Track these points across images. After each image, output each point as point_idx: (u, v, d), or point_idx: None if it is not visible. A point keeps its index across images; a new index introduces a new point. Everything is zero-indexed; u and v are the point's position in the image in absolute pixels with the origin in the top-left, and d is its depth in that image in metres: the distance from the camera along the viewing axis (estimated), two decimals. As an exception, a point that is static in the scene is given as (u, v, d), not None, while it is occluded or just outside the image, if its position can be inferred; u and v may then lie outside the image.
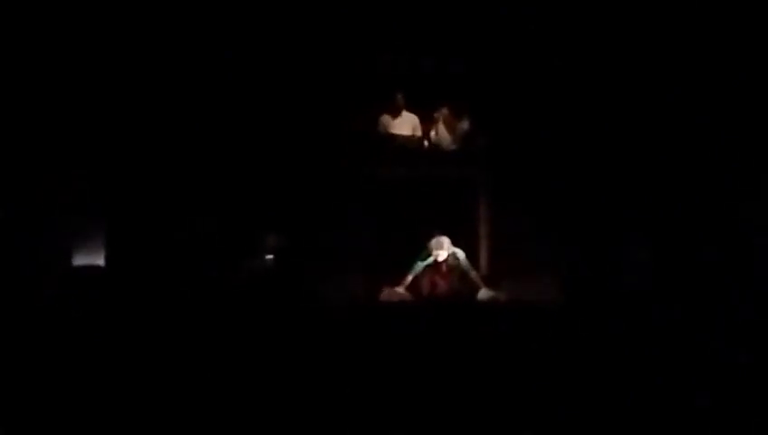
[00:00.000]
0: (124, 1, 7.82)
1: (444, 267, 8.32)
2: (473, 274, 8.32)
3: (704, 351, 6.52)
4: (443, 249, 8.26)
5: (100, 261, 7.35)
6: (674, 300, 7.16)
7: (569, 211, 8.43)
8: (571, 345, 6.95)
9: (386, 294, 8.27)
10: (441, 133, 9.20)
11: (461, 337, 7.16)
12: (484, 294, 8.20)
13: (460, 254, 8.34)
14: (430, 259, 8.29)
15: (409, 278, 8.29)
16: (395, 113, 9.34)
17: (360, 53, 9.12)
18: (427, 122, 9.28)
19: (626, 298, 7.48)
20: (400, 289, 8.30)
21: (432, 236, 8.31)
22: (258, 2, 8.69)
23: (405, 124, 9.36)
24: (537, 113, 8.82)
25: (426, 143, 9.28)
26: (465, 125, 9.15)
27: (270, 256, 8.12)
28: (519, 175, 8.75)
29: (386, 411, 6.59)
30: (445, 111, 9.20)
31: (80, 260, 7.23)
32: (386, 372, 6.86)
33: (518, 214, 8.64)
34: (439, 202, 8.77)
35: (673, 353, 6.64)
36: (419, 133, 9.32)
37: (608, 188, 8.26)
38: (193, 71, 8.40)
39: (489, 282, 8.40)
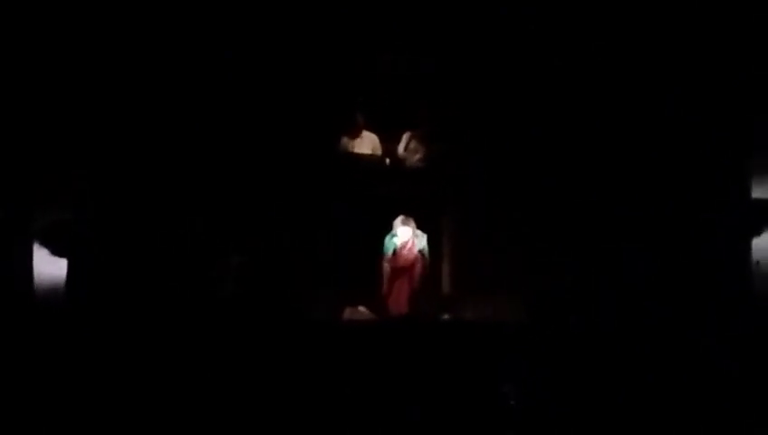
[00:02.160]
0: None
1: (410, 244, 8.61)
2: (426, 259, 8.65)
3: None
4: (408, 227, 8.60)
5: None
6: (638, 317, 7.24)
7: (532, 230, 8.48)
8: (535, 364, 7.00)
9: (348, 312, 8.27)
10: (410, 151, 9.24)
11: (424, 356, 7.18)
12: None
13: (422, 236, 8.66)
14: (398, 239, 8.59)
15: (389, 254, 8.58)
16: (355, 132, 9.34)
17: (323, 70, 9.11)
18: (390, 142, 9.30)
19: (589, 316, 7.53)
20: (362, 308, 8.32)
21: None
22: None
23: (365, 143, 9.38)
24: (503, 131, 8.87)
25: (387, 161, 9.30)
26: (431, 145, 9.19)
27: (237, 275, 8.08)
28: (483, 194, 8.78)
29: (352, 427, 6.60)
30: (417, 130, 9.25)
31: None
32: (350, 389, 6.85)
33: (481, 233, 8.67)
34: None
35: (639, 370, 6.71)
36: (379, 152, 9.34)
37: (573, 205, 8.32)
38: (163, 85, 8.32)
39: (452, 301, 8.45)
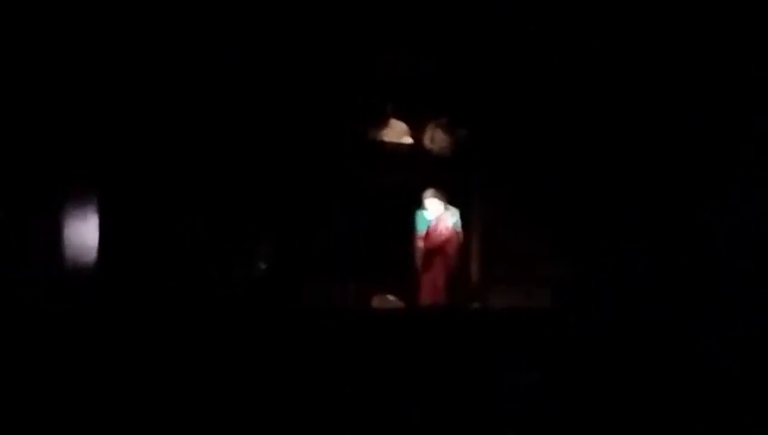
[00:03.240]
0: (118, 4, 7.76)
1: (443, 219, 8.42)
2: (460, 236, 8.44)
3: (697, 357, 6.57)
4: (439, 200, 8.39)
5: (92, 265, 7.30)
6: (667, 307, 7.19)
7: (560, 220, 8.45)
8: (562, 353, 6.98)
9: (377, 301, 8.30)
10: (436, 141, 9.24)
11: (452, 344, 7.17)
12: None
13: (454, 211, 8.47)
14: (428, 214, 8.40)
15: (421, 232, 8.39)
16: (384, 121, 9.36)
17: (354, 57, 9.10)
18: (418, 130, 9.31)
19: (617, 306, 7.50)
20: (391, 297, 8.34)
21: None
22: (246, 15, 8.65)
23: (394, 132, 9.39)
24: (529, 123, 8.84)
25: (417, 151, 9.30)
26: (461, 134, 9.19)
27: (262, 264, 8.11)
28: (512, 183, 8.76)
29: (378, 417, 6.60)
30: (442, 119, 9.25)
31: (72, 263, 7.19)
32: (377, 378, 6.86)
33: (510, 222, 8.66)
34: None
35: (665, 361, 6.67)
36: (409, 141, 9.35)
37: (601, 195, 8.27)
38: (177, 79, 8.34)
39: (481, 289, 8.45)
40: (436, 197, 8.43)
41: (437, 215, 8.44)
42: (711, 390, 6.31)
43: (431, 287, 8.41)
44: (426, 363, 6.99)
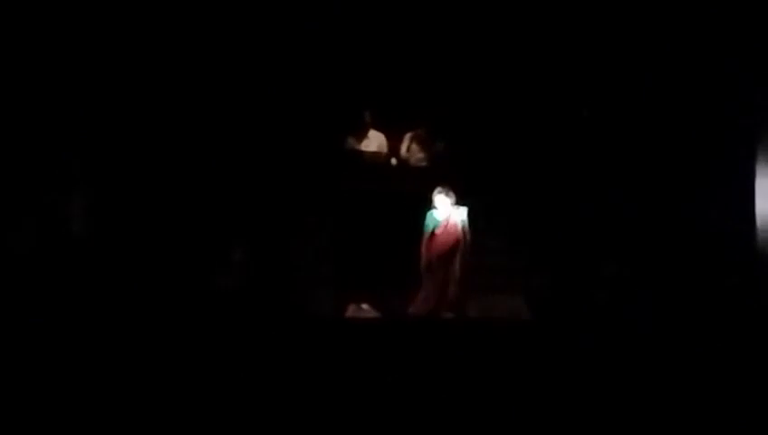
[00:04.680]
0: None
1: (451, 218, 8.09)
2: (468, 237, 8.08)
3: (673, 367, 6.52)
4: (448, 198, 8.07)
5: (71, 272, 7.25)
6: (645, 318, 7.15)
7: (537, 229, 8.42)
8: (540, 363, 6.91)
9: (351, 310, 8.20)
10: (412, 151, 9.20)
11: (428, 355, 7.09)
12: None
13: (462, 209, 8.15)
14: (438, 213, 8.09)
15: (427, 234, 8.07)
16: (362, 130, 9.32)
17: (331, 69, 9.08)
18: (395, 140, 9.27)
19: (594, 316, 7.46)
20: (365, 306, 8.24)
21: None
22: (225, 23, 8.61)
23: (372, 141, 9.36)
24: (506, 133, 8.86)
25: (393, 161, 9.25)
26: (438, 145, 9.18)
27: (237, 271, 8.03)
28: (488, 194, 8.72)
29: (353, 428, 6.51)
30: (420, 130, 9.24)
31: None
32: (351, 388, 6.77)
33: (486, 233, 8.59)
34: (407, 218, 8.70)
35: (642, 371, 6.61)
36: (386, 150, 9.31)
37: (579, 206, 8.26)
38: (154, 89, 8.29)
39: (456, 299, 8.35)
40: (445, 195, 8.12)
41: (447, 214, 8.11)
42: (688, 398, 6.26)
43: (437, 288, 8.11)
44: (401, 374, 6.91)
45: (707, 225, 7.24)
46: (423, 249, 8.13)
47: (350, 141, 9.32)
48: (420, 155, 9.21)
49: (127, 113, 7.96)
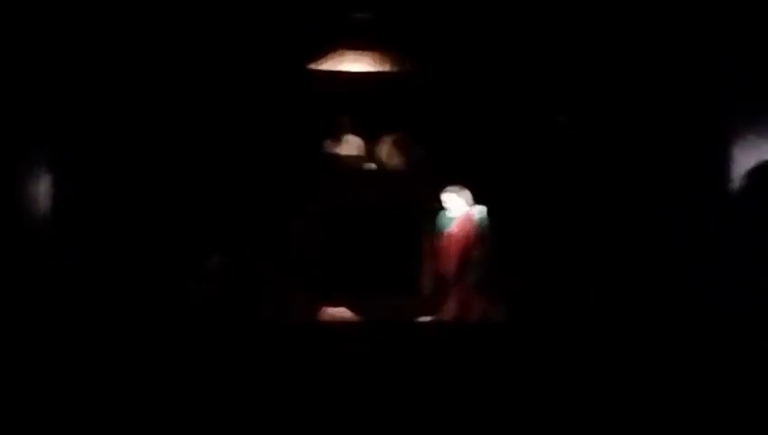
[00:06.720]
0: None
1: (464, 219, 7.73)
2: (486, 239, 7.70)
3: (656, 367, 6.49)
4: (462, 198, 7.73)
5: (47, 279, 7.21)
6: (626, 323, 7.12)
7: (514, 231, 8.39)
8: (515, 367, 6.88)
9: (325, 313, 8.14)
10: (390, 156, 9.17)
11: (402, 358, 7.06)
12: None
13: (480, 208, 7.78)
14: (452, 213, 7.79)
15: (439, 236, 7.76)
16: (339, 135, 9.29)
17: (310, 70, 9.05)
18: (373, 145, 9.25)
19: (571, 318, 7.44)
20: (342, 309, 8.20)
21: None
22: (201, 27, 8.59)
23: (349, 147, 9.32)
24: (486, 137, 8.85)
25: (372, 166, 9.22)
26: (416, 150, 9.13)
27: (213, 278, 7.99)
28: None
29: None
30: (397, 134, 9.20)
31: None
32: (328, 393, 6.73)
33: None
34: (383, 224, 8.69)
35: (623, 375, 6.59)
36: (364, 155, 9.28)
37: (559, 209, 8.26)
38: (131, 92, 8.25)
39: (431, 304, 8.32)
40: (457, 194, 7.81)
41: (461, 213, 7.78)
42: (667, 400, 6.23)
43: (458, 293, 7.87)
44: (377, 377, 6.87)
45: (686, 228, 7.23)
46: (436, 252, 7.88)
47: (327, 145, 9.29)
48: (399, 159, 9.18)
49: (99, 120, 7.91)
